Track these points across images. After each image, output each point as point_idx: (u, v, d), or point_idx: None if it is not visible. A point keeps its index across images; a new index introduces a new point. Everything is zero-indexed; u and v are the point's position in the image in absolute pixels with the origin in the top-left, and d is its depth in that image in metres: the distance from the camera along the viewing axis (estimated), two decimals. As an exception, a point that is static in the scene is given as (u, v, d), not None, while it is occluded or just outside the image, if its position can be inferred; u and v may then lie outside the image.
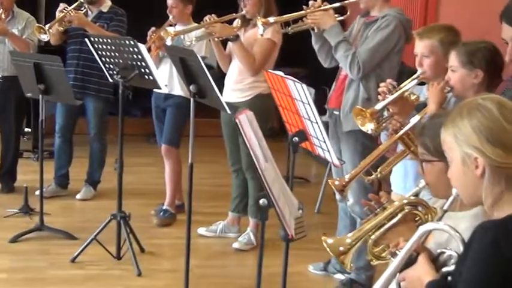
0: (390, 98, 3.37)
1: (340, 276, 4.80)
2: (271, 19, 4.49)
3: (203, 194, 5.92)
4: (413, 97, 3.45)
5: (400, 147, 3.29)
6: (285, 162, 6.96)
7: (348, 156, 4.38)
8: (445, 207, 2.22)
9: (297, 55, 6.79)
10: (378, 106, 3.38)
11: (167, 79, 5.50)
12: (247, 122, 2.41)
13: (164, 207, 5.77)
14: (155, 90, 5.71)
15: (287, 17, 4.43)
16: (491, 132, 1.95)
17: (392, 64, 4.34)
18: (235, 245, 5.28)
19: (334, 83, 4.61)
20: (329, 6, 4.41)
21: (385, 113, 3.49)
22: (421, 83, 3.58)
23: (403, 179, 3.62)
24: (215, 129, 5.93)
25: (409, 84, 3.43)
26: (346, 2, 4.45)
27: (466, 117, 2.00)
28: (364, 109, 3.40)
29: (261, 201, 2.57)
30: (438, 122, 2.42)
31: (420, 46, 3.56)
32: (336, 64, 4.57)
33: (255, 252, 5.27)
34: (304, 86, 3.16)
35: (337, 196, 4.76)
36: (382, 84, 3.46)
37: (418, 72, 3.51)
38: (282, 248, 5.04)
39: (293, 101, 3.35)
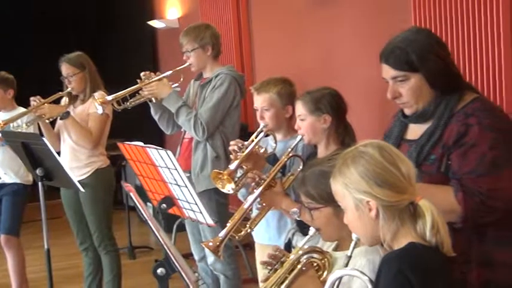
0: (242, 155, 3.45)
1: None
2: (109, 97, 4.46)
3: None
4: (262, 150, 3.56)
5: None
6: (125, 232, 6.99)
7: (204, 216, 4.44)
8: (348, 253, 2.29)
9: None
10: (233, 166, 3.44)
11: None
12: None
13: (13, 302, 5.51)
14: (-15, 181, 5.50)
15: (123, 92, 4.43)
16: (378, 175, 2.10)
17: (233, 120, 4.49)
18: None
19: (178, 147, 4.68)
20: (162, 75, 4.49)
21: (240, 170, 3.59)
22: (266, 135, 3.73)
23: (266, 230, 3.74)
24: (50, 211, 5.76)
25: (256, 139, 3.54)
26: (177, 68, 4.56)
27: (352, 165, 2.14)
28: (221, 172, 3.45)
29: (159, 270, 2.56)
30: (316, 171, 2.55)
31: (259, 100, 3.73)
32: (178, 130, 4.66)
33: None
34: (169, 152, 3.20)
35: (196, 256, 4.81)
36: (232, 143, 3.55)
37: (262, 126, 3.65)
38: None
39: (156, 169, 3.37)
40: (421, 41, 2.62)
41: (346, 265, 2.28)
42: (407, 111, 2.70)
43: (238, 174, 3.52)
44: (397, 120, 2.84)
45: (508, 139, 2.58)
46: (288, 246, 3.20)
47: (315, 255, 2.49)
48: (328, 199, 2.41)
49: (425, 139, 2.64)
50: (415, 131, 2.73)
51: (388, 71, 2.65)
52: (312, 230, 2.55)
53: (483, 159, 2.51)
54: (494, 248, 2.56)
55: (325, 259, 2.48)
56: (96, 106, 4.52)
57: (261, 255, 3.77)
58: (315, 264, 2.48)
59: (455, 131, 2.56)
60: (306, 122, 3.36)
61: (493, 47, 3.77)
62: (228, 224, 3.26)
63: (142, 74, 4.47)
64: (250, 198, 3.35)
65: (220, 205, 4.42)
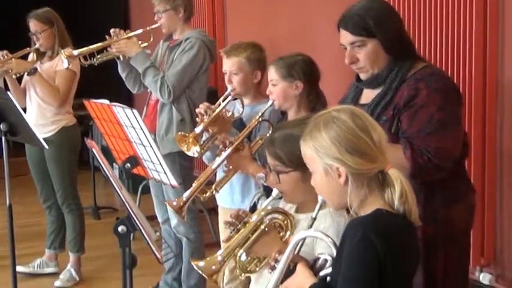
0: (209, 119, 3.42)
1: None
2: (76, 52, 4.40)
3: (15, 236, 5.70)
4: (228, 114, 3.53)
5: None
6: (90, 192, 6.96)
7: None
8: (313, 215, 2.28)
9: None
10: (198, 129, 3.42)
11: None
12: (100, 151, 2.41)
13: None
14: None
15: (91, 48, 4.37)
16: (349, 142, 2.08)
17: (201, 84, 4.46)
18: (57, 283, 5.16)
19: (145, 108, 4.64)
20: (132, 33, 4.44)
21: (205, 134, 3.57)
22: (233, 99, 3.71)
23: (230, 193, 3.73)
24: (15, 169, 5.72)
25: (223, 103, 3.51)
26: (148, 28, 4.51)
27: (324, 129, 2.11)
28: (186, 134, 3.43)
29: (120, 228, 2.56)
30: (287, 133, 2.54)
31: (228, 64, 3.70)
32: (145, 90, 4.62)
33: (78, 288, 5.21)
34: (134, 110, 3.17)
35: (160, 219, 4.80)
36: (201, 106, 3.53)
37: (229, 90, 3.63)
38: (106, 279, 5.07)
39: (121, 128, 3.35)
40: (377, 9, 2.81)
41: (311, 227, 2.27)
42: (363, 76, 2.86)
43: (204, 138, 3.51)
44: (352, 87, 2.99)
45: (454, 101, 2.76)
46: (253, 210, 3.19)
47: (278, 216, 2.46)
48: (297, 163, 2.38)
49: (377, 101, 2.80)
50: (369, 96, 2.87)
51: (346, 37, 2.80)
52: (275, 191, 2.54)
53: (431, 119, 2.67)
54: (440, 207, 2.74)
55: (288, 220, 2.46)
56: (62, 59, 4.46)
57: (223, 218, 3.76)
58: (278, 224, 2.46)
59: (406, 94, 2.72)
60: (278, 87, 3.35)
61: (465, 34, 3.82)
62: (193, 185, 3.26)
63: (112, 30, 4.41)
64: (218, 160, 3.34)
65: (184, 168, 4.40)
